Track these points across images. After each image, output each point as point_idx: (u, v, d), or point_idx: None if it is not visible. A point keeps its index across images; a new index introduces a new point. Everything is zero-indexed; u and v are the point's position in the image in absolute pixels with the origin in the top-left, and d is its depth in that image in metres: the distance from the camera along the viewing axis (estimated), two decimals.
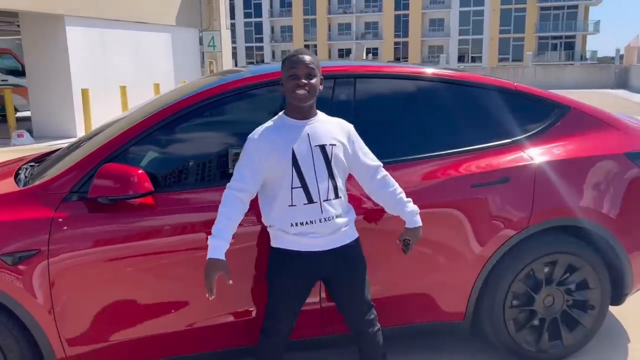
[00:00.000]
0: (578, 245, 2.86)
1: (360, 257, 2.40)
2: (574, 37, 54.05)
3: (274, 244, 2.33)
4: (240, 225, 2.29)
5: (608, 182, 2.89)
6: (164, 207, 2.47)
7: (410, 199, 2.43)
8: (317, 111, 2.33)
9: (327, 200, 2.23)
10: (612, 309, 3.49)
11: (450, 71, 2.98)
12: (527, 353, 2.91)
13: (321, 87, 2.30)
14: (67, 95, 12.12)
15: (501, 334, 2.86)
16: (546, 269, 2.86)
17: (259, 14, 62.24)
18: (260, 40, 63.05)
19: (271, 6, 61.90)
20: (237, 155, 2.39)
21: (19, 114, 14.93)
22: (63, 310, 2.39)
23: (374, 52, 58.01)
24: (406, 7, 57.02)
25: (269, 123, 2.30)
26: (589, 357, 3.00)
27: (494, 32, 54.55)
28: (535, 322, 2.90)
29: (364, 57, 35.42)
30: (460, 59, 56.26)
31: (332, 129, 2.30)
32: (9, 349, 2.37)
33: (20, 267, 2.31)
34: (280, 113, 2.33)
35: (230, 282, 2.21)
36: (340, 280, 2.36)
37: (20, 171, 2.91)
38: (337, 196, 2.26)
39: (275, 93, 2.72)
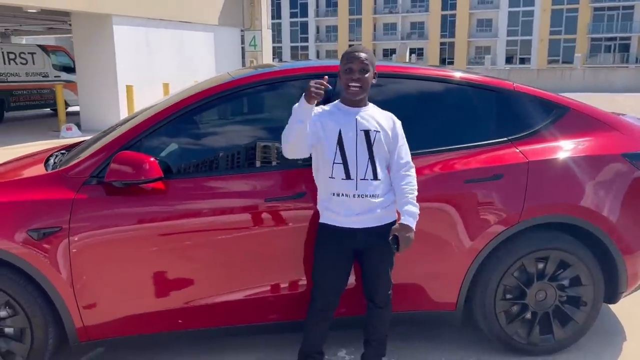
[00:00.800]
0: (570, 243, 2.93)
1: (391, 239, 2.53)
2: (629, 38, 52.05)
3: (320, 220, 2.61)
4: (292, 209, 2.71)
5: (604, 182, 2.95)
6: (174, 192, 2.71)
7: (416, 204, 2.53)
8: (369, 103, 2.60)
9: (364, 179, 2.48)
10: (614, 307, 3.53)
11: (447, 71, 3.10)
12: (517, 345, 3.00)
13: (374, 81, 2.57)
14: (113, 91, 12.70)
15: (492, 326, 2.97)
16: (538, 265, 2.94)
17: (304, 13, 62.74)
18: (306, 39, 63.54)
19: (317, 6, 62.28)
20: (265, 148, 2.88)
21: (70, 109, 15.72)
22: (82, 283, 2.65)
23: (419, 52, 57.55)
24: (453, 7, 56.30)
25: (326, 107, 2.58)
26: (583, 353, 3.06)
27: (544, 33, 53.19)
28: (527, 315, 2.99)
29: (407, 58, 35.21)
30: (508, 60, 55.13)
31: (379, 119, 2.56)
32: (33, 315, 2.65)
33: (45, 242, 2.59)
34: (336, 101, 2.61)
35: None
36: (371, 256, 2.61)
37: (50, 157, 3.21)
38: (375, 178, 2.50)
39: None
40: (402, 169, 2.56)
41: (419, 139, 2.88)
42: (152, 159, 2.61)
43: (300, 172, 2.77)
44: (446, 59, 56.80)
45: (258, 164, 2.91)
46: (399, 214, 2.56)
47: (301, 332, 2.76)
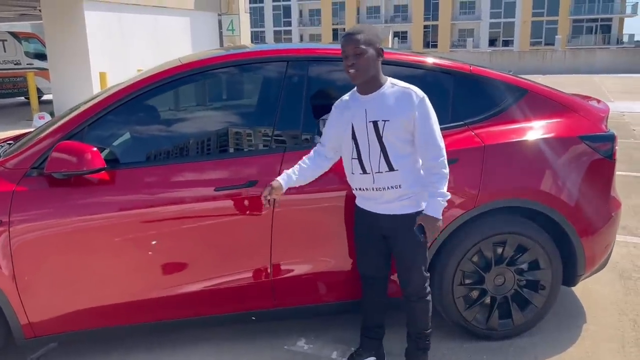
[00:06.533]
0: (528, 227, 2.89)
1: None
2: (610, 19, 52.24)
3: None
4: (243, 198, 2.64)
5: (560, 164, 2.91)
6: (119, 182, 2.62)
7: (441, 193, 2.37)
8: (386, 82, 2.41)
9: (379, 172, 2.38)
10: (575, 289, 3.53)
11: (405, 53, 3.03)
12: (476, 330, 2.98)
13: (380, 59, 2.38)
14: (86, 78, 12.44)
15: (450, 311, 2.94)
16: (496, 249, 2.91)
17: None
18: (289, 24, 62.88)
19: None
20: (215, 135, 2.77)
21: (45, 97, 15.43)
22: (25, 278, 2.56)
23: (402, 36, 57.27)
24: None
25: (346, 95, 2.51)
26: (542, 336, 3.05)
27: (526, 15, 53.15)
28: (486, 300, 2.97)
29: (390, 42, 35.04)
30: (492, 42, 55.07)
31: (392, 102, 2.35)
32: None
33: None
34: (353, 89, 2.50)
35: (267, 206, 2.54)
36: (395, 244, 2.53)
37: None
38: (391, 169, 2.37)
39: (259, 71, 2.89)
40: (426, 156, 2.37)
41: None
42: (94, 148, 2.51)
43: (250, 160, 2.70)
44: (430, 42, 56.61)
45: (207, 152, 2.82)
46: None
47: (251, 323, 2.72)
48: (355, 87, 2.47)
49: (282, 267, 2.78)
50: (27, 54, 15.78)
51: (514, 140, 2.88)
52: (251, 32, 17.40)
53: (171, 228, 2.64)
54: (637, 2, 52.40)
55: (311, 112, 2.84)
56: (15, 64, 15.35)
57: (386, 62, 2.89)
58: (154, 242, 2.64)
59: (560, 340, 3.03)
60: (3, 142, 3.33)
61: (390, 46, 30.63)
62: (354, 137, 2.42)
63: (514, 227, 2.88)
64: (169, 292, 2.71)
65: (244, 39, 16.83)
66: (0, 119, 12.96)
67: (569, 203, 2.90)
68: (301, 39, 62.13)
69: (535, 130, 2.93)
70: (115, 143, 2.76)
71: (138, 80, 2.76)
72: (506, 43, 54.59)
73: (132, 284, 2.68)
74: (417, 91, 2.38)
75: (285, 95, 2.79)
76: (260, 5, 62.10)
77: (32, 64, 15.64)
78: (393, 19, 58.67)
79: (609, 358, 2.86)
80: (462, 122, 2.91)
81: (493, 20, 55.04)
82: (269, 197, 2.46)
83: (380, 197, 2.44)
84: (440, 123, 2.85)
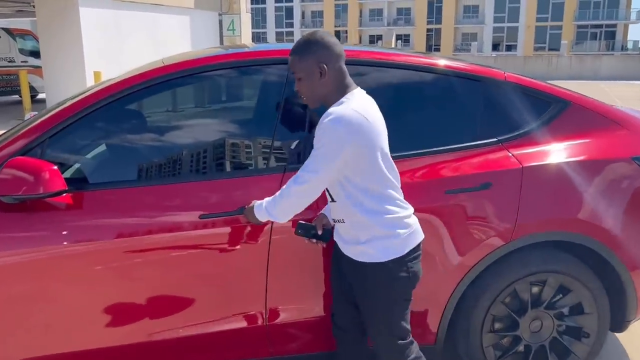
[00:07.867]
0: (571, 264, 2.45)
1: (373, 285, 2.03)
2: (615, 26, 51.83)
3: None
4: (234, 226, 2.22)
5: (611, 190, 2.47)
6: (86, 207, 2.18)
7: (273, 202, 2.00)
8: (340, 99, 1.95)
9: (329, 199, 2.08)
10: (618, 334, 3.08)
11: (423, 57, 2.58)
12: None
13: (324, 80, 1.94)
14: (81, 76, 11.98)
15: None
16: (533, 290, 2.46)
17: None
18: (291, 25, 62.48)
19: None
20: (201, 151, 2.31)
21: (40, 96, 14.98)
22: None
23: (405, 39, 56.88)
24: None
25: None
26: None
27: (530, 19, 52.75)
28: (519, 348, 2.52)
29: (393, 44, 34.61)
30: (495, 47, 54.67)
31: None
32: None
33: None
34: None
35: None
36: (356, 292, 2.13)
37: None
38: (332, 199, 2.06)
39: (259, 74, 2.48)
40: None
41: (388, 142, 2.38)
42: (53, 166, 2.06)
43: (243, 181, 2.26)
44: (432, 46, 56.19)
45: (191, 171, 2.36)
46: None
47: None
48: None
49: (280, 310, 2.33)
50: (21, 51, 15.32)
51: (558, 161, 2.43)
52: (253, 33, 17.00)
53: (146, 263, 2.20)
54: None
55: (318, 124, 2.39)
56: (9, 62, 14.88)
57: (404, 67, 2.48)
58: (125, 280, 2.19)
59: None
60: None
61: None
62: None
63: (555, 265, 2.43)
64: (144, 339, 2.26)
65: (245, 40, 16.40)
66: None
67: (621, 237, 2.45)
68: None
69: (581, 150, 2.48)
70: (82, 160, 2.31)
71: (106, 86, 2.30)
72: (509, 48, 54.21)
73: (100, 329, 2.22)
74: (332, 114, 1.88)
75: (286, 104, 2.35)
76: (263, 6, 61.74)
77: (27, 62, 15.18)
78: (396, 22, 58.26)
79: None
80: (494, 139, 2.46)
81: (497, 25, 54.62)
82: None
83: (339, 228, 2.09)
84: (469, 139, 2.45)
